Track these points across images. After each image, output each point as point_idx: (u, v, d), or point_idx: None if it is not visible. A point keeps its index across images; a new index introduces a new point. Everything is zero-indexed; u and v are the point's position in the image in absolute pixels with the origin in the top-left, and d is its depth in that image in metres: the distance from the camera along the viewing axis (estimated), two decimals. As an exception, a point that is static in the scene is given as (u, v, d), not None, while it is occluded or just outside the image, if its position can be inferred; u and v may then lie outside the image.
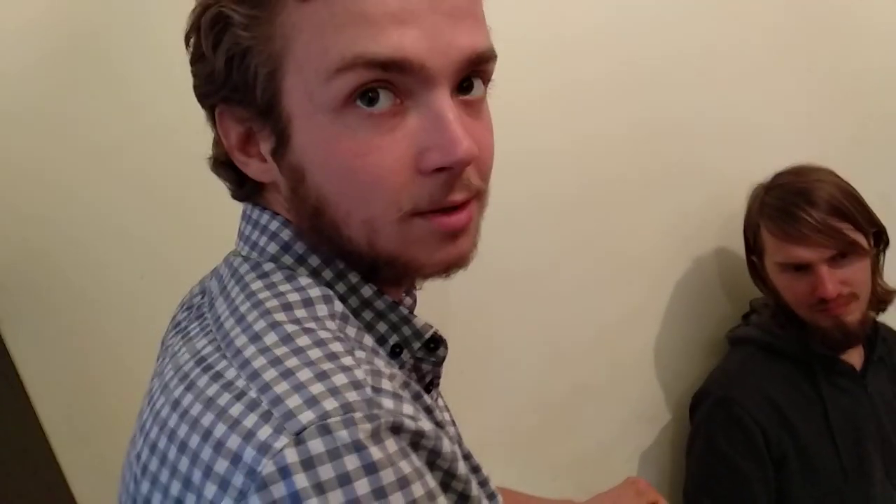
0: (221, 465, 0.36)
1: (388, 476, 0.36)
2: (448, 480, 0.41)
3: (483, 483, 0.47)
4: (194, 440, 0.38)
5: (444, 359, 0.51)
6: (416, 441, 0.39)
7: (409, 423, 0.38)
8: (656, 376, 1.30)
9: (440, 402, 0.57)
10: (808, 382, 1.16)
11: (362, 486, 0.35)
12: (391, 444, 0.37)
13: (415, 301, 0.55)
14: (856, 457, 1.12)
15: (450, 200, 0.44)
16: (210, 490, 0.36)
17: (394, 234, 0.45)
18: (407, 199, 0.43)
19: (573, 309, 1.20)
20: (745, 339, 1.23)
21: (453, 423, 0.56)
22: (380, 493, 0.35)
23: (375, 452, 0.36)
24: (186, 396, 0.40)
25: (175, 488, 0.37)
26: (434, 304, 0.89)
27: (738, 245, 1.24)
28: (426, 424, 0.40)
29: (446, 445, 0.41)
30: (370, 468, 0.35)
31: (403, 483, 0.36)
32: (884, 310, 1.21)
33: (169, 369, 0.44)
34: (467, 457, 0.48)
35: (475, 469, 0.48)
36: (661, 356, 1.30)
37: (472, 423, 0.68)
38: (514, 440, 1.16)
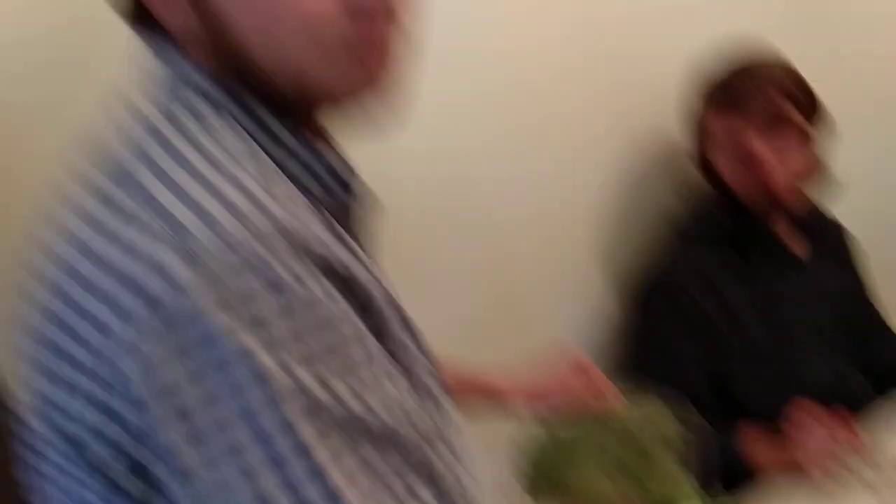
0: (113, 286, 0.36)
1: (294, 294, 0.36)
2: (369, 319, 0.41)
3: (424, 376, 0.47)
4: (86, 267, 0.37)
5: (362, 196, 0.50)
6: (327, 266, 0.38)
7: (317, 247, 0.38)
8: (598, 267, 1.31)
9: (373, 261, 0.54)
10: (747, 266, 1.18)
11: (267, 304, 0.35)
12: (297, 265, 0.36)
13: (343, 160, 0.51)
14: (789, 335, 1.17)
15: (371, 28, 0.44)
16: (102, 312, 0.36)
17: (320, 71, 0.43)
18: (334, 39, 0.42)
19: (510, 202, 1.19)
20: (687, 227, 1.25)
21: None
22: (287, 310, 0.35)
23: (281, 271, 0.36)
24: (70, 242, 0.39)
25: (73, 319, 0.37)
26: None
27: (681, 131, 1.24)
28: (341, 253, 0.40)
29: (361, 274, 0.41)
30: (275, 286, 0.35)
31: (310, 301, 0.36)
32: (827, 194, 1.23)
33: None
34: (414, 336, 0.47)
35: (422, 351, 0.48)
36: (603, 246, 1.31)
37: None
38: (459, 335, 1.11)
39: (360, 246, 0.49)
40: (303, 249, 0.37)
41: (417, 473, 0.41)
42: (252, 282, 0.35)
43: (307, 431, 0.35)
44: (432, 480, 0.43)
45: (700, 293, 1.17)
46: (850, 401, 1.17)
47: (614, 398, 0.90)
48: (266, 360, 0.35)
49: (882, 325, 1.37)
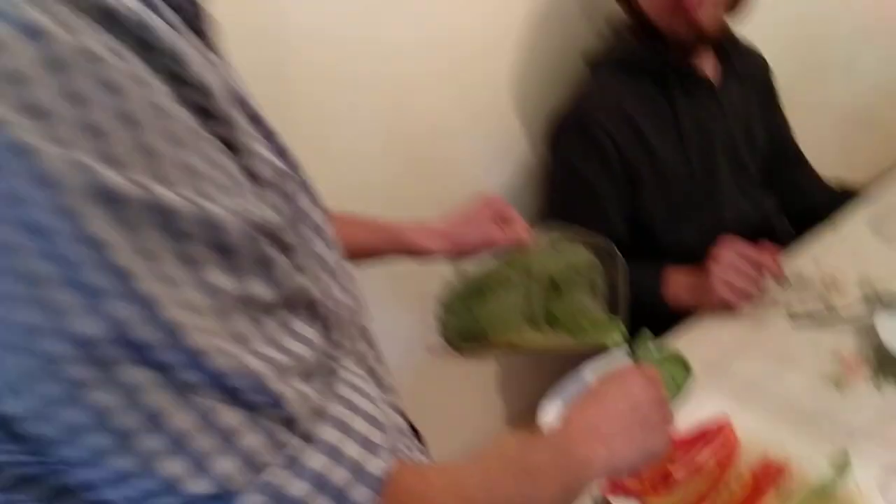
0: None
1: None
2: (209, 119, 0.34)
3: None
4: None
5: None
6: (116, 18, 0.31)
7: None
8: (514, 110, 1.28)
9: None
10: (664, 97, 1.17)
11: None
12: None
13: None
14: (706, 167, 1.18)
15: None
16: None
17: None
18: None
19: (420, 60, 1.13)
20: (601, 59, 1.22)
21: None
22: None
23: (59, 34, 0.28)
24: None
25: None
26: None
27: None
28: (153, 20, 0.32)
29: (192, 56, 0.33)
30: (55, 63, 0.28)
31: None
32: (745, 21, 1.21)
33: None
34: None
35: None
36: (518, 88, 1.27)
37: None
38: (379, 196, 1.10)
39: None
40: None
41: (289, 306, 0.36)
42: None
43: (122, 253, 0.29)
44: (309, 308, 0.38)
45: (615, 126, 1.12)
46: (772, 237, 1.17)
47: (528, 237, 0.84)
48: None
49: (798, 155, 1.37)
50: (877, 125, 1.83)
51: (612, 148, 1.12)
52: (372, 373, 0.52)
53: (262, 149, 0.38)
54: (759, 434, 0.79)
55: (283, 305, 0.36)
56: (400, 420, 0.58)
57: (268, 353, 0.34)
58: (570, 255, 0.87)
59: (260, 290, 0.34)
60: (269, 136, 0.41)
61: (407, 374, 1.26)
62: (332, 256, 0.46)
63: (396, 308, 1.21)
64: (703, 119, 1.18)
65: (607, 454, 0.55)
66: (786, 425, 0.80)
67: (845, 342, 0.92)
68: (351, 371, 0.40)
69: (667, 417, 0.62)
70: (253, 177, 0.36)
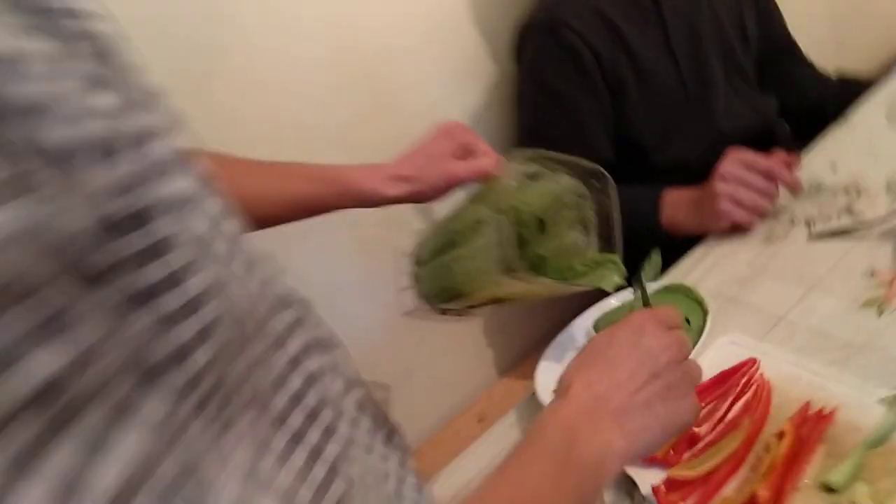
0: None
1: None
2: None
3: None
4: None
5: None
6: None
7: None
8: (473, 21, 1.13)
9: None
10: None
11: None
12: None
13: None
14: (698, 70, 1.04)
15: None
16: None
17: None
18: None
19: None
20: None
21: None
22: None
23: None
24: None
25: None
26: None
27: None
28: None
29: None
30: None
31: None
32: None
33: None
34: None
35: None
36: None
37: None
38: (335, 137, 1.00)
39: None
40: None
41: None
42: None
43: None
44: None
45: (590, 28, 0.97)
46: (775, 145, 1.04)
47: (497, 168, 0.70)
48: None
49: (793, 47, 1.22)
50: (870, 13, 1.68)
51: (588, 54, 0.96)
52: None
53: None
54: (793, 377, 0.67)
55: None
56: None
57: None
58: (551, 185, 0.72)
59: None
60: None
61: (390, 334, 1.15)
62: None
63: (371, 267, 1.08)
64: (690, 15, 1.03)
65: (624, 444, 0.42)
66: (824, 363, 0.68)
67: (880, 257, 0.78)
68: None
69: (694, 375, 0.49)
70: None
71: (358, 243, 1.08)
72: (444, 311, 0.77)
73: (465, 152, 0.70)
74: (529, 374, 0.77)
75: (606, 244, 0.73)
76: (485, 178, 0.70)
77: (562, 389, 0.46)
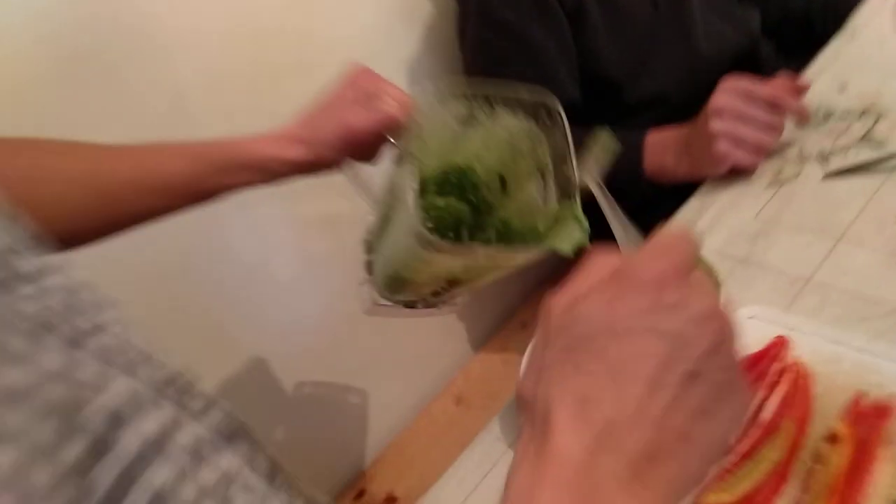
0: None
1: None
2: None
3: None
4: None
5: None
6: None
7: None
8: None
9: None
10: None
11: None
12: None
13: None
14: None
15: None
16: None
17: None
18: None
19: None
20: None
21: None
22: None
23: None
24: None
25: None
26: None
27: None
28: None
29: None
30: None
31: None
32: None
33: None
34: None
35: None
36: None
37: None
38: (241, 91, 0.88)
39: None
40: None
41: None
42: None
43: None
44: None
45: None
46: (758, 67, 0.90)
47: (404, 110, 0.56)
48: None
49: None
50: None
51: None
52: None
53: None
54: (834, 358, 0.54)
55: None
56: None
57: None
58: (498, 130, 0.56)
59: None
60: None
61: (348, 322, 1.02)
62: None
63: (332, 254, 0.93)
64: None
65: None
66: (870, 336, 0.55)
67: (913, 193, 0.66)
68: None
69: (740, 367, 0.29)
70: None
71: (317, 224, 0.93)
72: (408, 305, 0.63)
73: (369, 99, 0.56)
74: (508, 346, 0.64)
75: (565, 194, 0.57)
76: (393, 128, 0.55)
77: (535, 417, 0.28)
